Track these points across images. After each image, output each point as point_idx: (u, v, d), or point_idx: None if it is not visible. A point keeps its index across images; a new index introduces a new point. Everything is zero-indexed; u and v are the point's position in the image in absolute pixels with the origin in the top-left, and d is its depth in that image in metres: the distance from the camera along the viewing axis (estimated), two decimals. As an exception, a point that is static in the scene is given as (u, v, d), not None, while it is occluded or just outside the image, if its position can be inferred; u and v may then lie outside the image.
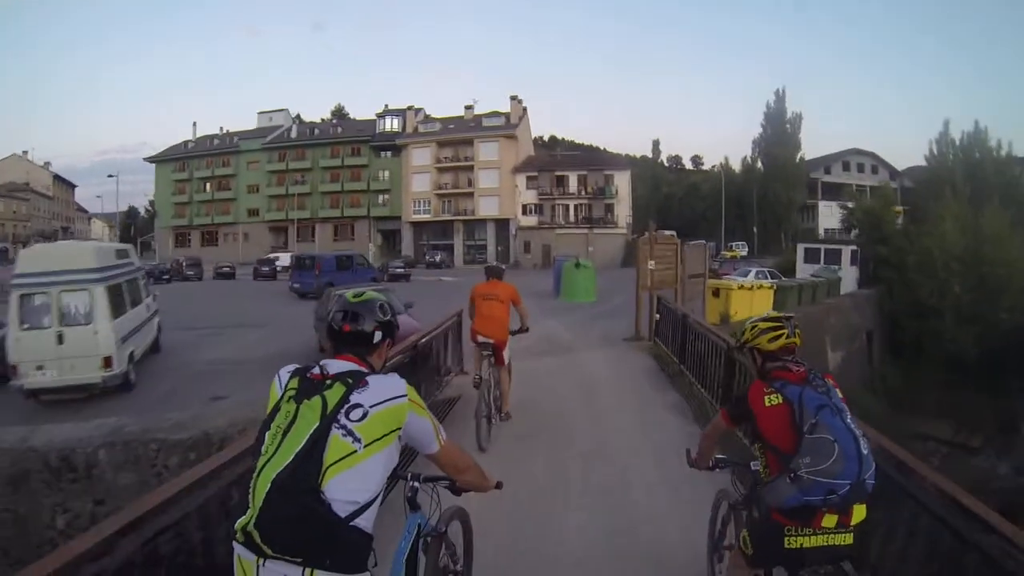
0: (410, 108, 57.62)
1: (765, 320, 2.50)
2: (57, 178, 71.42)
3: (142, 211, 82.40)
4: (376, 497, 1.58)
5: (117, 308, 9.85)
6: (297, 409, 1.55)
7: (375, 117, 60.12)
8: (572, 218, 51.04)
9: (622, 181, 51.47)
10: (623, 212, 50.56)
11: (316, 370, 1.65)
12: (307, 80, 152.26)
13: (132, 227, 79.64)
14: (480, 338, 5.58)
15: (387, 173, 56.35)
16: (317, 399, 1.55)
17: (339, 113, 65.49)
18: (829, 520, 2.12)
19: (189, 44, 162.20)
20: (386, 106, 59.16)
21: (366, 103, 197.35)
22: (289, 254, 43.73)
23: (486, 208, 51.46)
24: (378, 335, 1.79)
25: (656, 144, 73.69)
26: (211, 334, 15.37)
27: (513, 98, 54.82)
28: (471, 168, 52.37)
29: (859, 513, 2.13)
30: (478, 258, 50.49)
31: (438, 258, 48.40)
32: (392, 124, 58.16)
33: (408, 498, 2.23)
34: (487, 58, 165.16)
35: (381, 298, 1.88)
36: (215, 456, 2.62)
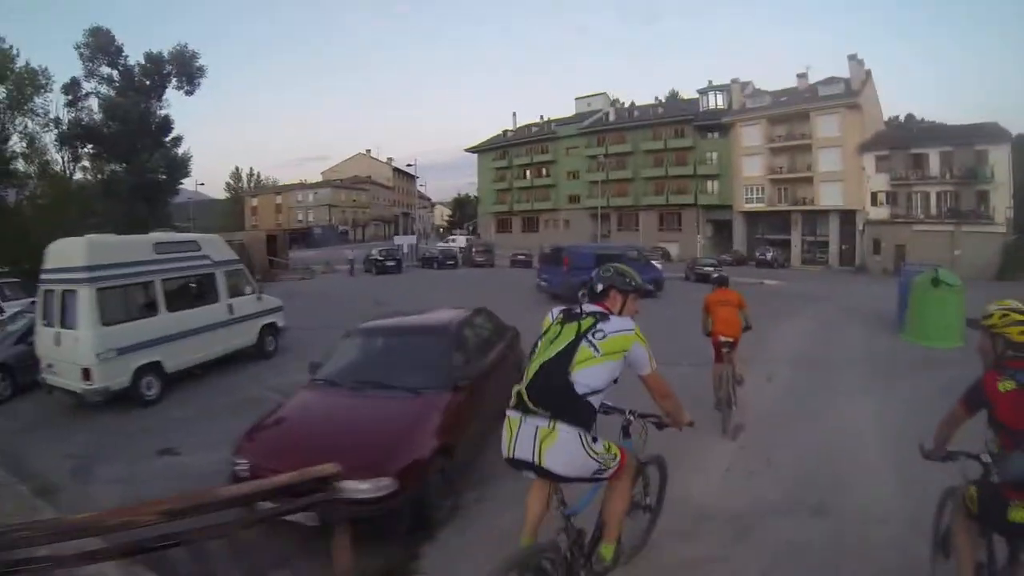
0: (735, 81, 61.77)
1: (1016, 311, 2.98)
2: (398, 171, 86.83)
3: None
4: (602, 388, 3.14)
5: (114, 313, 9.75)
6: (562, 328, 3.23)
7: (697, 95, 64.80)
8: (933, 210, 47.17)
9: (999, 159, 44.99)
10: (1001, 202, 44.80)
11: (577, 309, 3.33)
12: (627, 65, 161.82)
13: (458, 213, 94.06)
14: (722, 338, 7.75)
15: (715, 156, 61.32)
16: (575, 324, 3.21)
17: (672, 97, 68.26)
18: None
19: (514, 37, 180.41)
20: (710, 82, 64.40)
21: (691, 83, 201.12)
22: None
23: (828, 196, 52.49)
24: (603, 288, 3.49)
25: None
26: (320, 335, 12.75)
27: (852, 58, 54.10)
28: (808, 148, 53.86)
29: None
30: (818, 257, 51.52)
31: (769, 255, 51.41)
32: (717, 100, 62.54)
33: (623, 427, 3.77)
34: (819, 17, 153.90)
35: (625, 269, 3.61)
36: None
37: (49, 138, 46.14)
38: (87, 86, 47.03)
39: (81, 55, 46.95)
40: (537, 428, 3.03)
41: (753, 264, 50.29)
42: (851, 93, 52.21)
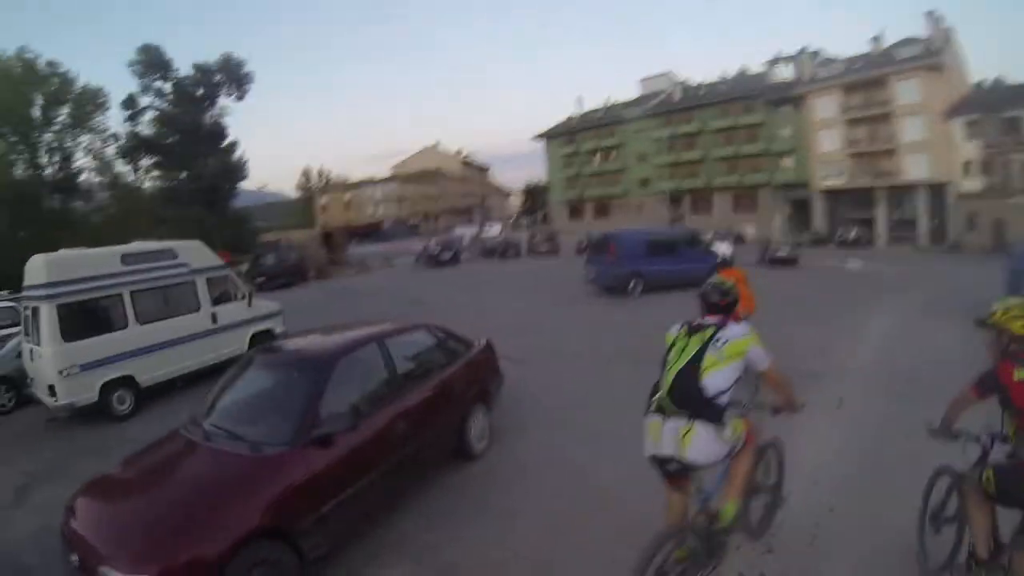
0: (803, 51, 59.34)
1: (1022, 307, 3.43)
2: (469, 163, 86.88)
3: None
4: (728, 389, 3.69)
5: (76, 329, 9.73)
6: (688, 339, 3.80)
7: (765, 67, 62.19)
8: (1032, 180, 44.13)
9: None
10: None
11: (697, 321, 3.92)
12: (691, 43, 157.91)
13: (529, 201, 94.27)
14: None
15: (788, 131, 58.99)
16: (699, 335, 3.78)
17: (740, 74, 66.14)
18: None
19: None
20: (777, 53, 59.48)
21: (757, 57, 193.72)
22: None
23: (913, 168, 49.67)
24: (718, 301, 4.00)
25: None
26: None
27: (929, 15, 50.65)
28: (889, 116, 51.05)
29: None
30: (906, 235, 48.55)
31: (852, 235, 49.41)
32: (786, 72, 60.57)
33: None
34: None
35: (726, 286, 4.04)
36: None
37: (111, 152, 49.96)
38: (143, 100, 50.21)
39: (134, 72, 49.95)
40: (678, 427, 3.67)
41: (834, 245, 48.60)
42: (931, 53, 49.05)
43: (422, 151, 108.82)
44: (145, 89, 50.36)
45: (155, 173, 54.09)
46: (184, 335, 11.30)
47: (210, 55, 77.21)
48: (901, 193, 50.71)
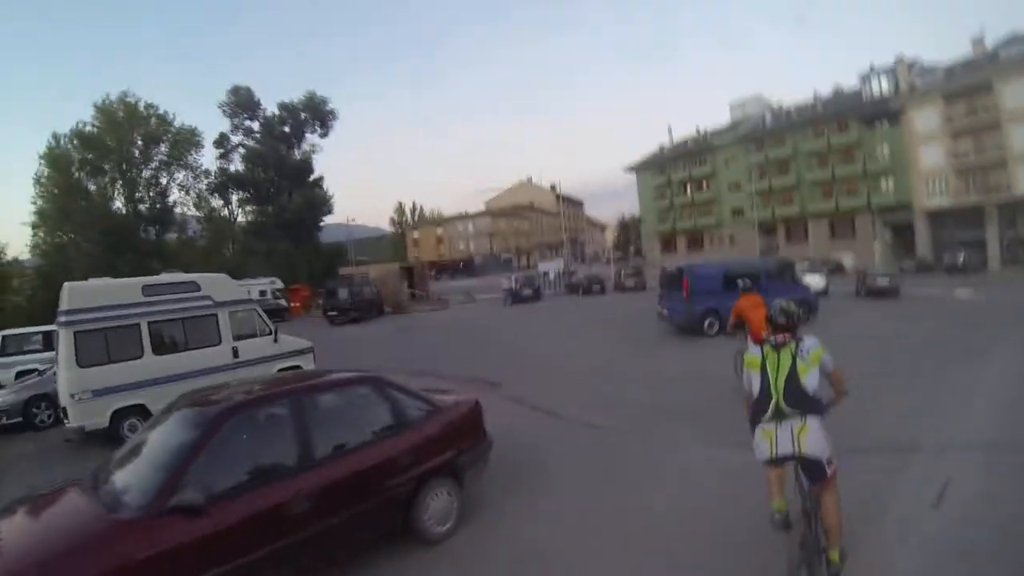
0: (899, 61, 55.58)
1: None
2: (562, 197, 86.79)
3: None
4: (816, 386, 4.27)
5: (92, 355, 10.12)
6: (778, 354, 4.37)
7: (858, 82, 58.75)
8: None
9: None
10: None
11: (776, 340, 4.45)
12: (780, 64, 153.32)
13: (621, 236, 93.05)
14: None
15: (886, 148, 55.12)
16: (787, 348, 4.36)
17: (835, 94, 62.63)
18: None
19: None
20: (871, 65, 57.52)
21: (849, 73, 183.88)
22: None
23: (1029, 181, 44.96)
24: (786, 322, 4.50)
25: None
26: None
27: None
28: (997, 124, 46.48)
29: None
30: (1022, 258, 42.80)
31: (960, 259, 44.20)
32: (882, 85, 56.68)
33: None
34: None
35: (791, 308, 4.56)
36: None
37: (203, 187, 54.02)
38: (234, 139, 53.91)
39: (224, 112, 53.55)
40: (793, 426, 4.18)
41: (942, 272, 43.78)
42: (1042, 49, 44.50)
43: (516, 186, 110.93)
44: (235, 128, 54.17)
45: (245, 208, 58.11)
46: (202, 368, 11.22)
47: (298, 92, 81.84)
48: (1015, 209, 45.73)
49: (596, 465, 7.54)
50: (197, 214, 57.75)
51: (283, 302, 42.15)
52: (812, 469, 4.22)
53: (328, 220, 63.78)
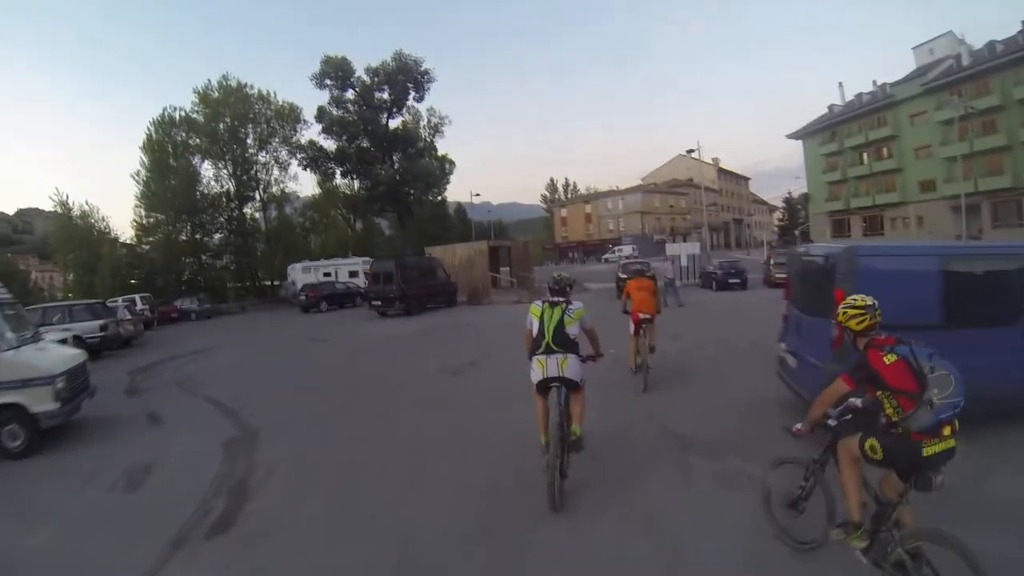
0: None
1: (852, 308, 3.88)
2: (725, 172, 74.71)
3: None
4: (577, 334, 5.76)
5: None
6: (552, 310, 5.74)
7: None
8: None
9: None
10: None
11: (555, 299, 5.87)
12: None
13: (787, 217, 78.51)
14: (641, 315, 9.90)
15: None
16: (559, 307, 5.75)
17: None
18: (947, 430, 3.56)
19: None
20: None
21: None
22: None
23: None
24: (560, 287, 6.05)
25: None
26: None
27: None
28: None
29: (956, 423, 3.60)
30: None
31: None
32: None
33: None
34: None
35: (563, 276, 6.19)
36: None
37: (302, 163, 51.17)
38: (333, 112, 49.72)
39: (318, 84, 49.12)
40: (557, 359, 5.67)
41: None
42: None
43: (674, 159, 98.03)
44: (333, 102, 50.39)
45: (346, 181, 55.28)
46: None
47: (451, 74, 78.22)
48: None
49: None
50: (294, 191, 55.11)
51: (359, 284, 37.03)
52: (571, 385, 5.72)
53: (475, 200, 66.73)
